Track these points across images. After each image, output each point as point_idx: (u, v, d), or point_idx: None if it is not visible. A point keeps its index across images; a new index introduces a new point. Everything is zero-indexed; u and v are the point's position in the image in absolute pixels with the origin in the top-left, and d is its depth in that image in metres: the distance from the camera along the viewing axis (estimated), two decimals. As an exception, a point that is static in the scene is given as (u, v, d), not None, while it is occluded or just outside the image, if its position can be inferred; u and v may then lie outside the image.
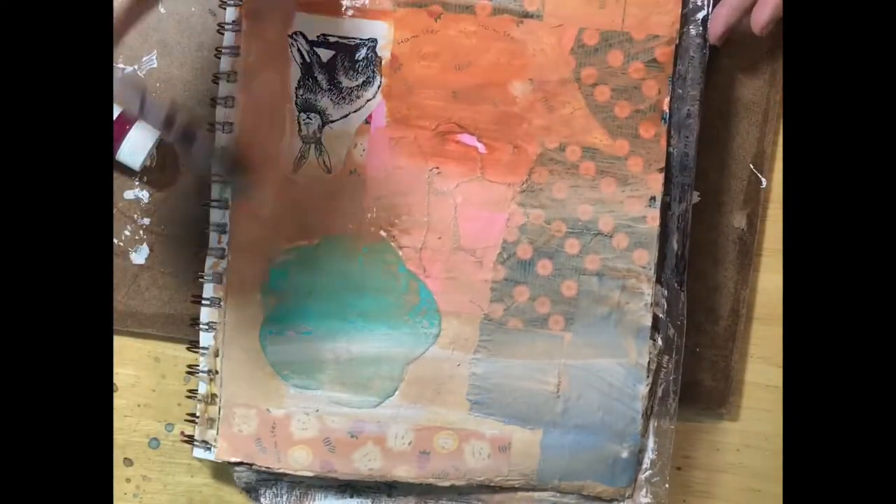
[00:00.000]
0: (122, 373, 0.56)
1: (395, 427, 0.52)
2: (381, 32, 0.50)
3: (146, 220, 0.55)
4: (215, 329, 0.52)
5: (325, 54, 0.50)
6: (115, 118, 0.52)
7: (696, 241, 0.53)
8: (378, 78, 0.50)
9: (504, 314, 0.51)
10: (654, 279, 0.51)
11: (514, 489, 0.53)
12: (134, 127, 0.52)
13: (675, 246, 0.52)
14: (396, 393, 0.51)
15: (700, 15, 0.51)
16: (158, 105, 0.45)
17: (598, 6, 0.50)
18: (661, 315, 0.52)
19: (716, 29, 0.50)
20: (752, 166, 0.55)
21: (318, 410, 0.51)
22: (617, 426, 0.52)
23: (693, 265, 0.53)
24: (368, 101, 0.50)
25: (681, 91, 0.51)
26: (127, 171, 0.54)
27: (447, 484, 0.52)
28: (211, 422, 0.52)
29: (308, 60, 0.50)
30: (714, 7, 0.51)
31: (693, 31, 0.51)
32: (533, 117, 0.50)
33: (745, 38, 0.53)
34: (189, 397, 0.53)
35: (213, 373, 0.52)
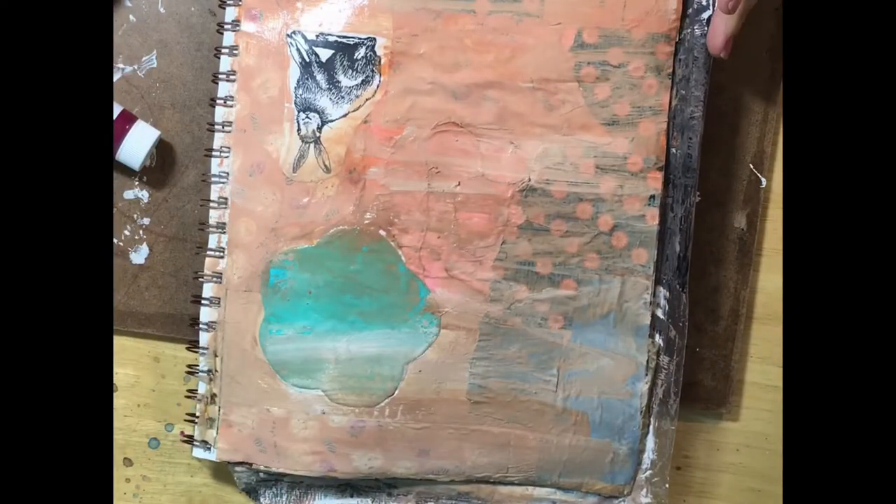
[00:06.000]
0: (122, 373, 0.56)
1: (395, 426, 0.52)
2: (381, 31, 0.50)
3: (146, 220, 0.55)
4: (215, 329, 0.52)
5: (324, 53, 0.50)
6: (115, 118, 0.52)
7: (697, 241, 0.53)
8: (377, 77, 0.50)
9: (504, 313, 0.51)
10: (653, 278, 0.51)
11: (513, 485, 0.53)
12: (134, 127, 0.52)
13: (678, 248, 0.52)
14: (396, 392, 0.51)
15: (704, 15, 0.50)
16: None
17: (598, 4, 0.50)
18: (662, 317, 0.52)
19: (715, 41, 0.49)
20: (752, 166, 0.55)
21: (317, 410, 0.51)
22: (616, 424, 0.52)
23: (693, 265, 0.52)
24: (368, 100, 0.50)
25: (684, 93, 0.51)
26: (127, 171, 0.54)
27: (447, 480, 0.52)
28: (211, 422, 0.52)
29: (307, 60, 0.50)
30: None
31: (697, 32, 0.50)
32: (532, 116, 0.50)
33: (745, 39, 0.53)
34: (189, 397, 0.53)
35: (212, 372, 0.52)
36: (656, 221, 0.51)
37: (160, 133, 0.53)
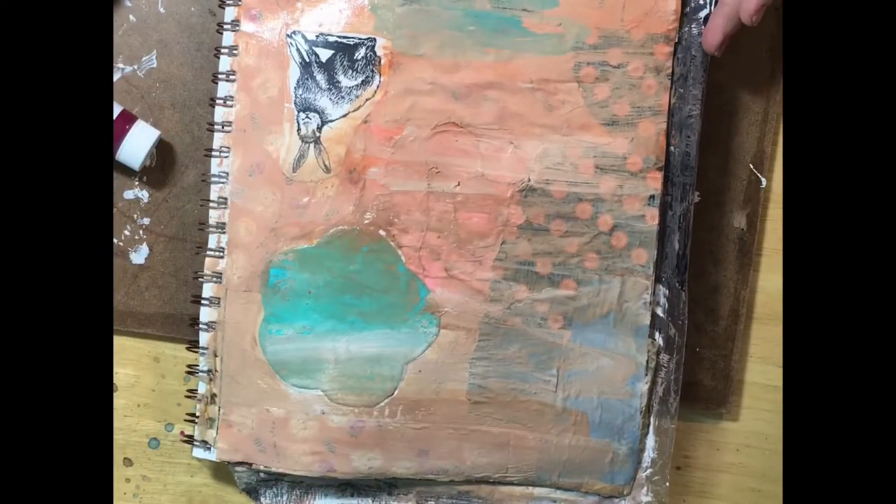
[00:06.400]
0: (122, 373, 0.56)
1: (395, 426, 0.52)
2: (381, 32, 0.50)
3: (146, 220, 0.55)
4: (215, 329, 0.52)
5: (324, 53, 0.50)
6: (115, 118, 0.52)
7: (696, 241, 0.53)
8: (377, 77, 0.50)
9: (503, 313, 0.51)
10: (653, 278, 0.51)
11: (513, 485, 0.53)
12: (134, 127, 0.52)
13: (677, 246, 0.52)
14: (396, 392, 0.51)
15: (702, 14, 0.50)
16: None
17: (598, 5, 0.50)
18: (662, 315, 0.52)
19: (713, 39, 0.50)
20: (751, 166, 0.55)
21: (317, 410, 0.51)
22: (615, 424, 0.52)
23: (693, 265, 0.52)
24: (368, 100, 0.50)
25: (682, 91, 0.51)
26: (127, 171, 0.54)
27: (446, 480, 0.52)
28: (211, 422, 0.52)
29: (307, 60, 0.50)
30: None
31: (695, 30, 0.51)
32: (532, 116, 0.50)
33: (744, 38, 0.53)
34: (189, 397, 0.53)
35: (212, 372, 0.52)
36: (656, 221, 0.51)
37: (160, 133, 0.53)
